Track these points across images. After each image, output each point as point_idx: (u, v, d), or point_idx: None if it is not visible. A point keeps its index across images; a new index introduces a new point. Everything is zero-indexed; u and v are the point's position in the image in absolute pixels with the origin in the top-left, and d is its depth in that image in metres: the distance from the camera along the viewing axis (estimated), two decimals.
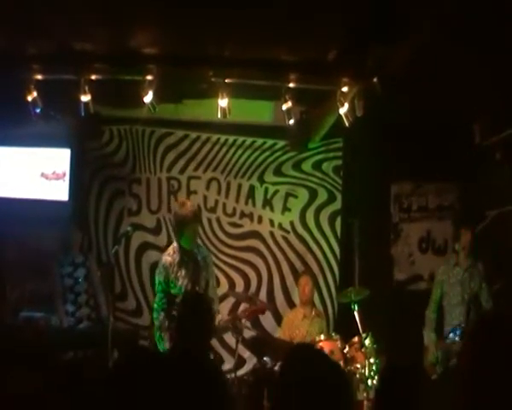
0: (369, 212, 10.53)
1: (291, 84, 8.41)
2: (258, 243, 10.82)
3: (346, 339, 8.55)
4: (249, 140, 10.84)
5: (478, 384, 2.32)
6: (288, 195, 10.85)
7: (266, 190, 10.83)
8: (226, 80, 8.36)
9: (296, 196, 10.86)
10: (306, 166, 10.88)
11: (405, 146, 10.10)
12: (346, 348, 8.42)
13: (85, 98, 8.37)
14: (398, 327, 9.51)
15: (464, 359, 2.44)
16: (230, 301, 10.04)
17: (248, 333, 8.95)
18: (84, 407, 2.45)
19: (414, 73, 7.82)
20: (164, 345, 7.28)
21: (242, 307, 9.13)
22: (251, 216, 10.84)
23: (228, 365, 8.89)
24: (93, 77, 8.32)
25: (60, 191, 10.33)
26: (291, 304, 10.39)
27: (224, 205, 10.82)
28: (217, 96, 8.45)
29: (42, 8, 7.07)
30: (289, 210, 10.86)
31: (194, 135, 10.79)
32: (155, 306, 7.48)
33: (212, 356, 7.11)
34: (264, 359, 8.37)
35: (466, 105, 8.96)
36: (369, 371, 8.15)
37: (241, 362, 9.45)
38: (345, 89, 8.39)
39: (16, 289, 9.72)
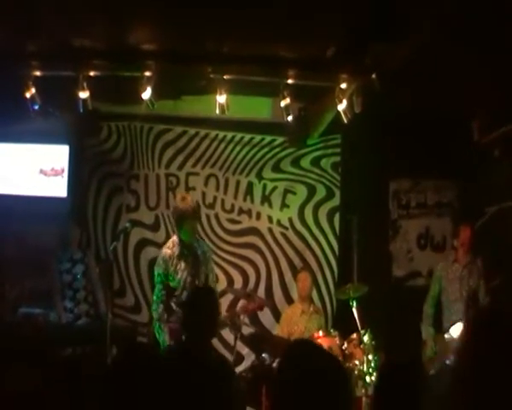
0: (368, 208, 10.54)
1: (289, 81, 8.41)
2: (257, 240, 10.82)
3: (345, 335, 8.56)
4: (247, 136, 10.84)
5: (478, 381, 2.32)
6: (286, 191, 10.84)
7: (265, 187, 10.83)
8: (225, 77, 8.36)
9: (295, 193, 10.85)
10: (305, 162, 10.87)
11: (404, 143, 10.10)
12: (345, 345, 8.43)
13: (84, 95, 8.36)
14: (396, 323, 9.52)
15: (463, 355, 2.44)
16: (229, 297, 10.04)
17: (247, 330, 8.96)
18: (83, 403, 2.45)
19: (413, 71, 7.82)
20: (163, 337, 7.32)
21: (241, 303, 9.13)
22: (249, 212, 10.83)
23: None
24: (91, 73, 8.32)
25: (58, 188, 10.32)
26: (289, 300, 10.39)
27: (223, 201, 10.82)
28: (215, 92, 8.46)
29: (40, 5, 7.07)
30: (288, 207, 10.85)
31: (192, 131, 10.79)
32: (154, 298, 7.53)
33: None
34: (263, 355, 8.37)
35: (464, 102, 8.96)
36: (368, 368, 8.16)
37: (239, 359, 9.47)
38: (343, 85, 8.40)
39: (15, 287, 9.72)
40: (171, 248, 7.51)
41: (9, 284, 9.71)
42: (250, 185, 10.82)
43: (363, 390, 8.13)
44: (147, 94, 8.32)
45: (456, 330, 8.32)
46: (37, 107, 8.63)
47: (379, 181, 10.69)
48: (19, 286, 9.74)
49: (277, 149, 10.85)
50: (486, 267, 8.68)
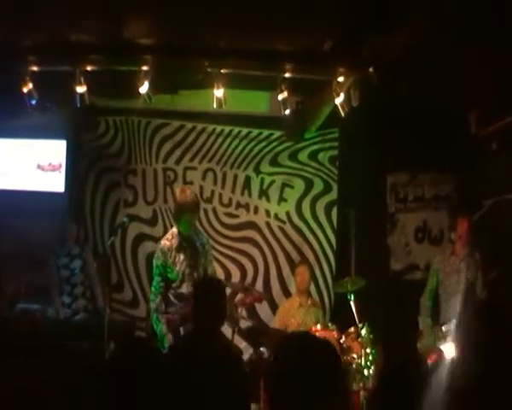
0: (366, 202, 10.54)
1: (287, 75, 8.41)
2: (255, 234, 10.82)
3: (343, 329, 8.57)
4: (245, 130, 10.84)
5: (480, 376, 2.32)
6: (284, 185, 10.84)
7: (262, 181, 10.83)
8: (222, 71, 8.36)
9: (292, 187, 10.86)
10: (302, 156, 10.87)
11: (401, 136, 10.10)
12: (343, 338, 8.44)
13: (81, 89, 8.36)
14: (394, 317, 9.53)
15: (463, 349, 2.44)
16: (226, 291, 10.03)
17: (245, 323, 8.96)
18: (81, 398, 2.45)
19: (410, 64, 7.81)
20: (160, 328, 7.33)
21: (238, 297, 9.13)
22: (247, 207, 10.84)
23: None
24: (88, 68, 8.31)
25: (56, 183, 10.33)
26: (287, 294, 10.39)
27: (220, 195, 10.82)
28: (212, 86, 8.46)
29: (37, 1, 7.05)
30: (285, 200, 10.85)
31: (189, 125, 10.79)
32: (152, 289, 7.54)
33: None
34: (261, 349, 8.37)
35: (462, 95, 8.95)
36: (366, 361, 8.17)
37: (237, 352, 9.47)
38: (341, 79, 8.39)
39: (13, 282, 9.71)
40: (169, 239, 7.51)
41: (7, 280, 9.71)
42: (248, 179, 10.83)
43: (361, 384, 8.13)
44: (144, 88, 8.32)
45: (448, 349, 8.34)
46: (34, 102, 8.62)
47: (376, 175, 10.69)
48: (16, 281, 9.73)
49: (275, 143, 10.85)
50: (484, 260, 8.68)
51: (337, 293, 9.91)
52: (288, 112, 8.95)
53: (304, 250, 10.79)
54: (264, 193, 10.83)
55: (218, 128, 10.78)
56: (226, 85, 8.44)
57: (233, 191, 10.82)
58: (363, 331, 8.34)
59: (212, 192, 10.80)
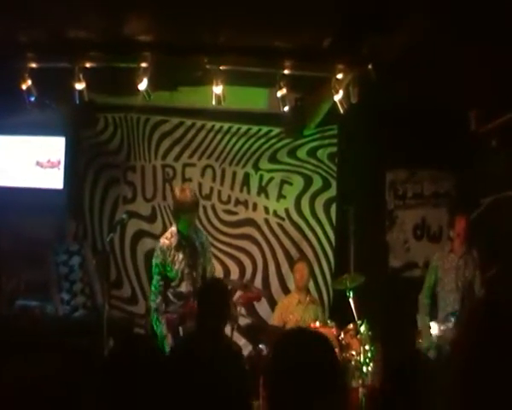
0: (365, 199, 10.54)
1: (286, 71, 8.40)
2: (253, 231, 10.83)
3: (342, 326, 8.56)
4: (244, 127, 10.84)
5: (476, 373, 2.32)
6: (282, 182, 10.85)
7: (261, 178, 10.83)
8: (221, 67, 8.35)
9: (291, 184, 10.86)
10: (301, 153, 10.88)
11: (400, 133, 10.09)
12: (342, 335, 8.43)
13: (80, 86, 8.35)
14: (393, 314, 9.53)
15: (460, 347, 2.44)
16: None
17: (243, 320, 8.97)
18: (80, 395, 2.45)
19: (409, 61, 7.81)
20: (161, 328, 7.31)
21: (237, 294, 9.14)
22: (246, 203, 10.84)
23: None
24: (87, 65, 8.30)
25: (55, 179, 10.33)
26: (286, 291, 10.39)
27: (219, 192, 10.82)
28: (211, 83, 8.45)
29: None
30: (284, 197, 10.86)
31: (189, 122, 10.79)
32: (152, 288, 7.51)
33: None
34: (260, 346, 8.38)
35: (461, 92, 8.95)
36: (365, 358, 8.17)
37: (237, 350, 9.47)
38: (340, 76, 8.38)
39: (11, 279, 9.71)
40: (169, 238, 7.50)
41: (6, 277, 9.71)
42: (246, 176, 10.83)
43: (360, 381, 8.13)
44: (143, 85, 8.31)
45: (436, 329, 8.35)
46: (33, 99, 8.62)
47: (375, 171, 10.69)
48: (15, 278, 9.73)
49: (274, 140, 10.85)
50: (483, 258, 8.68)
51: (336, 290, 9.91)
52: (286, 109, 8.96)
53: (303, 247, 10.79)
54: (263, 190, 10.83)
55: (217, 125, 10.79)
56: (225, 82, 8.44)
57: (232, 188, 10.83)
58: (362, 328, 8.34)
59: (211, 189, 10.80)
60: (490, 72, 8.20)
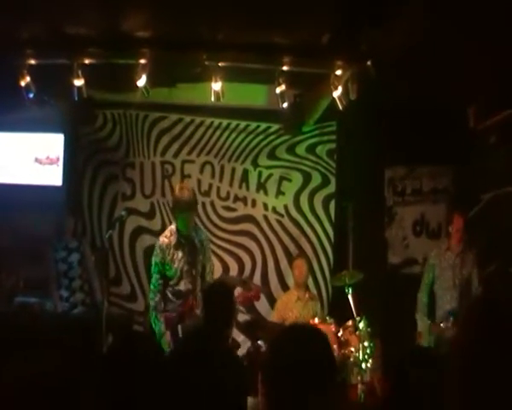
0: (363, 195, 10.54)
1: (285, 68, 8.40)
2: (252, 227, 10.83)
3: (340, 322, 8.56)
4: (243, 124, 10.84)
5: (475, 371, 2.32)
6: (281, 178, 10.85)
7: (260, 174, 10.83)
8: (220, 64, 8.34)
9: (290, 180, 10.86)
10: (300, 149, 10.87)
11: (399, 129, 10.08)
12: (340, 332, 8.43)
13: (78, 82, 8.34)
14: (392, 310, 9.54)
15: (459, 345, 2.44)
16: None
17: (242, 317, 8.97)
18: (79, 391, 2.45)
19: (408, 57, 7.80)
20: (159, 327, 7.34)
21: (236, 291, 9.13)
22: (245, 200, 10.84)
23: None
24: (86, 61, 8.30)
25: (53, 176, 10.33)
26: (285, 287, 10.40)
27: (218, 189, 10.82)
28: (210, 79, 8.44)
29: None
30: (283, 194, 10.86)
31: (188, 119, 10.79)
32: (151, 287, 7.54)
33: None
34: (259, 342, 8.37)
35: (460, 89, 8.94)
36: (363, 355, 8.18)
37: (235, 346, 9.47)
38: (338, 72, 8.38)
39: (11, 276, 9.71)
40: (168, 237, 7.50)
41: (5, 274, 9.71)
42: (245, 173, 10.83)
43: (359, 377, 8.14)
44: (142, 81, 8.31)
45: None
46: (31, 95, 8.61)
47: (374, 168, 10.68)
48: (14, 275, 9.73)
49: (273, 137, 10.85)
50: (482, 254, 8.68)
51: (335, 286, 9.91)
52: (285, 105, 8.95)
53: (302, 243, 10.80)
54: (261, 186, 10.83)
55: (216, 121, 10.79)
56: (224, 79, 8.43)
57: (231, 185, 10.83)
58: (361, 325, 8.34)
59: (210, 185, 10.80)
60: (489, 68, 8.20)
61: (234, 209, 10.83)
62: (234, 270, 10.62)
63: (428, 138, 10.10)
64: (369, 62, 7.89)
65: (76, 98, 8.54)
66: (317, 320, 8.67)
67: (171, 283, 7.47)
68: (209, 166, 10.82)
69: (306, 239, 10.82)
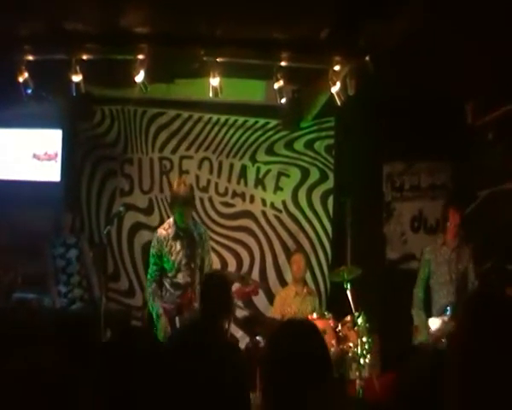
0: (362, 191, 10.54)
1: (283, 63, 8.38)
2: (251, 223, 10.83)
3: (339, 318, 8.57)
4: (241, 119, 10.84)
5: (474, 366, 2.32)
6: (280, 174, 10.85)
7: (258, 170, 10.83)
8: (218, 59, 8.33)
9: (288, 176, 10.86)
10: (298, 145, 10.88)
11: (398, 125, 10.09)
12: (339, 327, 8.44)
13: (77, 78, 8.32)
14: (390, 306, 9.54)
15: (457, 340, 2.44)
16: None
17: (241, 312, 8.98)
18: (78, 387, 2.45)
19: (406, 54, 7.80)
20: (156, 309, 7.44)
21: (235, 286, 9.14)
22: (243, 196, 10.84)
23: None
24: (84, 57, 8.27)
25: (52, 172, 10.33)
26: (283, 283, 10.40)
27: (216, 184, 10.82)
28: (208, 75, 8.42)
29: None
30: (281, 189, 10.86)
31: (186, 114, 10.78)
32: (148, 276, 7.68)
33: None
34: (257, 338, 8.39)
35: (458, 85, 8.95)
36: (362, 350, 8.18)
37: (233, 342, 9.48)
38: (337, 67, 8.37)
39: (9, 272, 9.70)
40: (166, 229, 7.56)
41: (3, 270, 9.71)
42: (244, 168, 10.83)
43: (357, 373, 8.15)
44: (140, 77, 8.29)
45: (434, 323, 8.33)
46: (29, 91, 8.58)
47: (372, 163, 10.69)
48: (12, 271, 9.73)
49: (271, 132, 10.86)
50: (479, 251, 8.68)
51: (333, 282, 9.92)
52: (283, 101, 8.93)
53: (300, 239, 10.80)
54: (260, 182, 10.84)
55: (214, 117, 10.79)
56: (222, 74, 8.42)
57: (229, 180, 10.83)
58: (360, 320, 8.34)
59: (208, 181, 10.80)
60: (487, 63, 8.20)
61: (232, 205, 10.83)
62: (232, 266, 10.63)
63: (427, 134, 10.11)
64: (367, 58, 7.89)
65: (74, 94, 8.52)
66: (315, 315, 8.67)
67: (170, 275, 7.52)
68: (207, 161, 10.82)
69: (304, 235, 10.83)
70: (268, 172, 10.83)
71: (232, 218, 10.83)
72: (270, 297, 10.18)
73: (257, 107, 10.71)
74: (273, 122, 10.81)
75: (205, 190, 10.75)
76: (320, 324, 8.24)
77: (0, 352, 2.65)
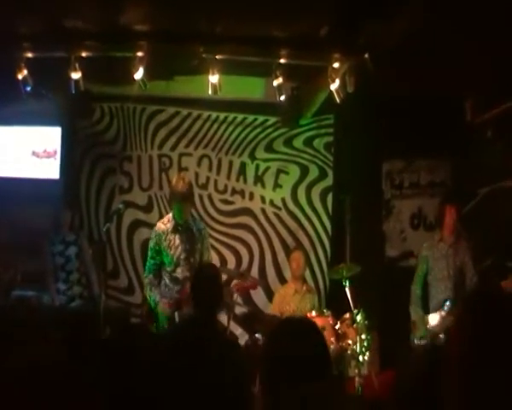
0: (361, 188, 10.54)
1: (282, 60, 8.39)
2: (250, 220, 10.83)
3: (338, 315, 8.58)
4: (240, 117, 10.83)
5: (474, 362, 2.32)
6: (279, 171, 10.84)
7: (257, 167, 10.83)
8: (217, 56, 8.34)
9: (287, 173, 10.86)
10: (298, 142, 10.87)
11: (397, 123, 10.08)
12: (338, 325, 8.45)
13: (76, 76, 8.33)
14: (389, 303, 9.54)
15: (457, 336, 2.44)
16: (222, 277, 10.03)
17: (240, 310, 8.98)
18: (77, 384, 2.45)
19: (406, 51, 7.80)
20: (154, 297, 7.47)
21: (234, 283, 9.15)
22: (242, 193, 10.84)
23: None
24: (83, 54, 8.28)
25: (51, 170, 10.33)
26: (282, 280, 10.40)
27: (216, 182, 10.81)
28: (208, 72, 8.44)
29: None
30: (281, 187, 10.85)
31: (185, 112, 10.78)
32: (146, 268, 7.71)
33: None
34: (256, 335, 8.40)
35: (458, 83, 8.95)
36: (361, 348, 8.19)
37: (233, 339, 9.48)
38: (336, 65, 8.38)
39: (8, 270, 9.70)
40: (165, 223, 7.58)
41: (2, 267, 9.70)
42: (243, 166, 10.82)
43: (356, 370, 8.16)
44: (139, 74, 8.29)
45: (433, 319, 8.35)
46: (29, 88, 8.58)
47: (372, 161, 10.68)
48: (12, 269, 9.72)
49: (270, 130, 10.85)
50: (477, 248, 8.69)
51: (332, 279, 9.92)
52: (283, 98, 8.94)
53: (299, 236, 10.80)
54: (259, 179, 10.83)
55: (214, 114, 10.78)
56: (221, 71, 8.42)
57: (228, 178, 10.82)
58: (359, 318, 8.35)
59: (208, 178, 10.80)
60: (486, 62, 8.20)
61: (231, 202, 10.83)
62: (231, 263, 10.63)
63: (426, 132, 10.11)
64: (366, 55, 7.89)
65: (73, 91, 8.53)
66: (314, 313, 8.67)
67: (169, 269, 7.52)
68: (206, 159, 10.81)
69: (304, 232, 10.83)
70: (267, 169, 10.82)
71: (231, 215, 10.82)
72: (270, 295, 10.17)
73: (256, 104, 10.70)
74: (272, 119, 10.80)
75: (204, 187, 10.75)
76: (319, 321, 8.23)
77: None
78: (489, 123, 9.54)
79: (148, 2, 7.58)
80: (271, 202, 10.85)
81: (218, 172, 10.81)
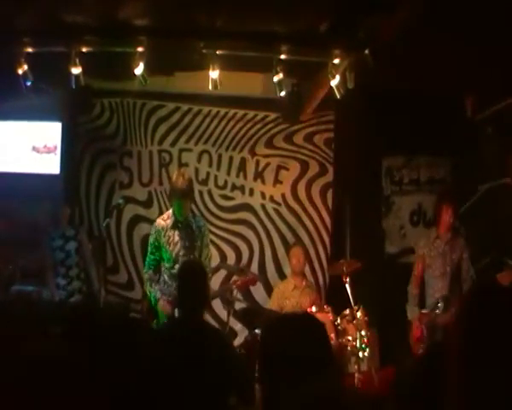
0: (361, 185, 10.54)
1: (282, 56, 8.38)
2: (250, 216, 10.82)
3: (338, 311, 8.58)
4: (240, 112, 10.82)
5: (472, 358, 2.32)
6: (279, 167, 10.84)
7: (258, 163, 10.82)
8: (217, 52, 8.33)
9: (287, 169, 10.85)
10: (298, 138, 10.87)
11: (397, 119, 10.08)
12: (338, 321, 8.46)
13: (76, 71, 8.32)
14: (389, 300, 9.54)
15: (455, 333, 2.44)
16: (222, 273, 10.05)
17: (239, 305, 8.98)
18: (77, 379, 2.46)
19: (406, 47, 7.79)
20: (154, 293, 7.51)
21: (233, 279, 9.14)
22: (242, 189, 10.83)
23: None
24: (84, 49, 8.27)
25: (51, 165, 10.32)
26: (282, 276, 10.40)
27: (216, 177, 10.81)
28: (208, 68, 8.43)
29: None
30: (281, 183, 10.85)
31: (185, 107, 10.77)
32: (145, 264, 7.75)
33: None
34: (256, 331, 8.39)
35: (458, 79, 8.94)
36: (361, 344, 8.20)
37: (232, 335, 9.48)
38: (336, 61, 8.37)
39: (8, 265, 9.70)
40: (165, 219, 7.59)
41: (2, 262, 9.70)
42: (243, 161, 10.82)
43: (356, 366, 8.16)
44: (139, 70, 8.29)
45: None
46: (29, 83, 8.58)
47: (372, 157, 10.68)
48: (11, 264, 9.72)
49: (270, 125, 10.84)
50: (476, 246, 8.69)
51: (332, 275, 9.92)
52: (283, 94, 8.93)
53: (299, 232, 10.80)
54: (259, 175, 10.83)
55: (214, 110, 10.77)
56: (222, 67, 8.41)
57: (228, 173, 10.82)
58: (359, 314, 8.36)
59: (208, 174, 10.79)
60: (486, 58, 8.19)
61: (231, 198, 10.83)
62: (231, 259, 10.63)
63: (426, 128, 10.11)
64: (366, 51, 7.88)
65: (74, 86, 8.52)
66: (314, 309, 8.68)
67: (168, 266, 7.53)
68: (207, 154, 10.81)
69: (304, 228, 10.82)
70: (267, 165, 10.82)
71: (231, 211, 10.82)
72: (269, 290, 10.17)
73: (256, 100, 10.69)
74: (272, 115, 10.79)
75: (204, 183, 10.75)
76: (319, 317, 8.21)
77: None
78: (489, 120, 9.55)
79: None
80: (271, 198, 10.84)
81: (219, 168, 10.81)
